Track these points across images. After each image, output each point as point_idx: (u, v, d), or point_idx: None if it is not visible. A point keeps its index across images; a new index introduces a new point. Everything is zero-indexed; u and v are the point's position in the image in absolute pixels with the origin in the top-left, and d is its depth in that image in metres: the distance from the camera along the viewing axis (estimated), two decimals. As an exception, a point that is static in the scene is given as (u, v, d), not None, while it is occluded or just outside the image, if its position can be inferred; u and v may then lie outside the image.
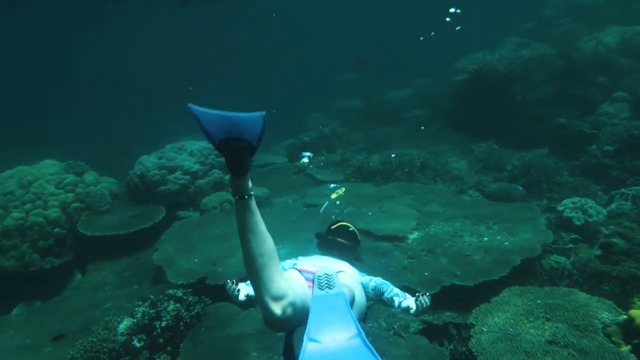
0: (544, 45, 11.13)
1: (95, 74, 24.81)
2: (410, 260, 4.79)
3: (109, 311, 4.90)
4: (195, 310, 3.91)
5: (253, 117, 1.67)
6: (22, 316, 5.16)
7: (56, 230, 6.11)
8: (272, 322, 2.03)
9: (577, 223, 5.41)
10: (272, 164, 10.34)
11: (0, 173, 6.97)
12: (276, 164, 10.19)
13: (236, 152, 1.72)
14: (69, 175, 6.89)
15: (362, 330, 1.76)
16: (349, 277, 2.47)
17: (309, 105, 21.50)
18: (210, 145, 7.39)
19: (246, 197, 1.87)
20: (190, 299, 3.95)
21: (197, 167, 6.86)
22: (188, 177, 6.73)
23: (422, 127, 11.93)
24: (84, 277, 5.93)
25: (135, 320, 3.57)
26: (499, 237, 5.00)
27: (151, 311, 3.63)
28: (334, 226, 3.06)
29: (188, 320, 3.74)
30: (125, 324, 3.62)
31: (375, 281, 2.62)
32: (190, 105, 1.61)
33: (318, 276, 1.99)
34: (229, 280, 2.23)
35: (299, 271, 2.38)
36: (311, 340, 1.76)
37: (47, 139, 12.91)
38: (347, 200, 6.56)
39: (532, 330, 3.31)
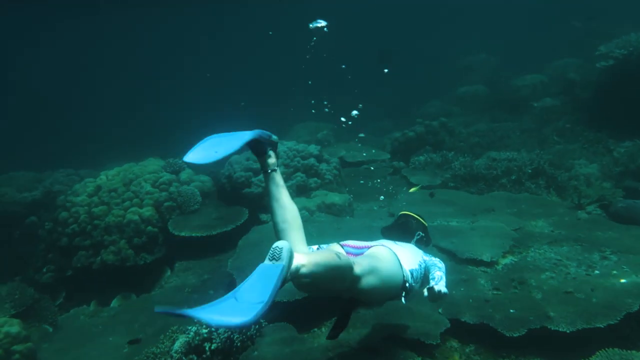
0: None
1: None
2: (495, 292, 4.28)
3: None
4: (250, 332, 3.95)
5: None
6: (112, 311, 5.78)
7: (149, 228, 6.72)
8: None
9: None
10: (371, 161, 10.15)
11: (110, 170, 7.90)
12: (374, 162, 9.97)
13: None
14: (165, 173, 7.52)
15: (268, 304, 1.78)
16: (388, 255, 2.73)
17: (429, 91, 20.78)
18: (297, 147, 7.49)
19: (269, 171, 2.70)
20: (244, 319, 4.00)
21: (281, 169, 6.97)
22: (271, 180, 6.88)
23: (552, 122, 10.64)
24: (170, 277, 6.43)
25: (188, 339, 3.73)
26: (615, 272, 4.22)
27: (203, 331, 3.76)
28: (399, 215, 3.66)
29: (238, 344, 3.79)
30: (180, 341, 3.80)
31: (432, 261, 3.14)
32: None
33: (272, 248, 2.05)
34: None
35: (342, 246, 2.82)
36: (234, 296, 1.85)
37: (159, 135, 14.40)
38: (435, 210, 6.12)
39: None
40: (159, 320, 5.22)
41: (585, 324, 3.66)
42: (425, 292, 2.81)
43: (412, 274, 2.83)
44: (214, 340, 3.70)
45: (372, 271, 2.48)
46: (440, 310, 4.12)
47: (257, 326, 4.07)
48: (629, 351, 3.26)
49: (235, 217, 6.63)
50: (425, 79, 23.65)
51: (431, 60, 25.56)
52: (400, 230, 3.47)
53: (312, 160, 7.19)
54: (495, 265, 4.71)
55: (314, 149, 7.50)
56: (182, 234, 6.53)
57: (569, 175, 7.60)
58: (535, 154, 7.83)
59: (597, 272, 4.30)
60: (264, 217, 6.82)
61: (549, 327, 3.73)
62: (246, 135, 2.52)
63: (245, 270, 5.26)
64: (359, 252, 2.77)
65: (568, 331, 3.65)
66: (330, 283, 2.30)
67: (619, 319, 3.63)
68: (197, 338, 3.71)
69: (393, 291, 2.72)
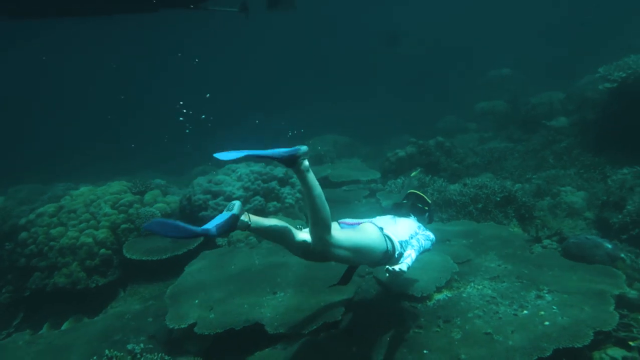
0: None
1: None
2: (416, 331, 4.32)
3: (115, 344, 5.42)
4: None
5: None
6: (51, 337, 5.98)
7: (102, 250, 6.99)
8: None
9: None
10: (354, 181, 10.26)
11: (76, 190, 8.27)
12: (357, 182, 10.09)
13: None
14: (127, 195, 7.82)
15: (212, 230, 2.77)
16: (369, 229, 3.63)
17: (449, 106, 20.96)
18: (260, 170, 7.68)
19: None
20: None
21: (239, 192, 7.19)
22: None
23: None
24: (116, 301, 6.66)
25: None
26: (543, 313, 4.21)
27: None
28: (408, 193, 4.72)
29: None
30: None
31: (420, 236, 4.04)
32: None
33: (229, 203, 3.02)
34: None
35: (339, 223, 3.72)
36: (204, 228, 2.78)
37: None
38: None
39: None
40: (89, 347, 5.41)
41: (493, 368, 3.69)
42: (387, 273, 3.34)
43: (401, 244, 3.76)
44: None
45: (348, 240, 3.39)
46: (354, 349, 4.19)
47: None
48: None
49: (190, 241, 6.84)
50: (449, 92, 23.85)
51: (457, 74, 25.80)
52: (405, 206, 4.47)
53: (273, 184, 7.37)
54: (427, 301, 4.74)
55: (279, 171, 7.67)
56: (134, 257, 6.76)
57: (553, 202, 7.54)
58: (504, 180, 7.80)
59: (525, 312, 4.30)
60: (220, 241, 7.01)
61: (457, 370, 3.77)
62: (276, 154, 3.05)
63: (180, 299, 5.45)
64: (351, 227, 3.67)
65: (474, 376, 3.68)
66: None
67: (527, 364, 3.64)
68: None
69: (373, 257, 3.56)
